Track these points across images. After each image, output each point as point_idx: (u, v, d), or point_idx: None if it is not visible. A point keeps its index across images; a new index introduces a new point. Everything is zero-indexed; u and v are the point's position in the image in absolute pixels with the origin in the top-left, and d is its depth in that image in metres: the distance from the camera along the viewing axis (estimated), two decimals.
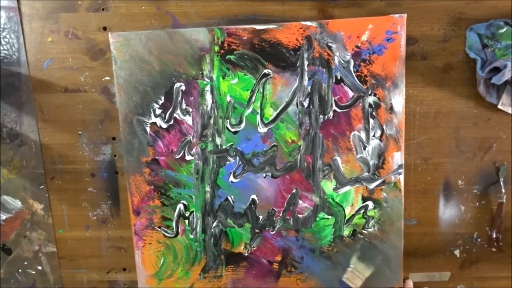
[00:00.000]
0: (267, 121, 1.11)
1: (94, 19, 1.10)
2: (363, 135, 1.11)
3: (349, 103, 1.10)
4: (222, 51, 1.08)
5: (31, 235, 1.22)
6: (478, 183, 1.16)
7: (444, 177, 1.16)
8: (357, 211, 1.16)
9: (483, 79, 1.05)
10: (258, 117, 1.11)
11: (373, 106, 1.10)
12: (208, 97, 1.11)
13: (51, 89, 1.13)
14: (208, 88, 1.10)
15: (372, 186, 1.14)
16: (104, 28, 1.10)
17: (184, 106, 1.11)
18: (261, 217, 1.17)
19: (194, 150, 1.14)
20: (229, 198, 1.16)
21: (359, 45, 1.07)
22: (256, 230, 1.18)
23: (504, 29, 1.04)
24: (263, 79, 1.09)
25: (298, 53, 1.08)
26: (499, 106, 1.07)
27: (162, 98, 1.11)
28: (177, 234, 1.19)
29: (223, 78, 1.10)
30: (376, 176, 1.13)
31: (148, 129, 1.13)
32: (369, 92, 1.09)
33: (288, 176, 1.14)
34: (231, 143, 1.13)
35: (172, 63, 1.09)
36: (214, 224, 1.18)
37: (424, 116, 1.12)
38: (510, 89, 1.06)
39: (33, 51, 1.12)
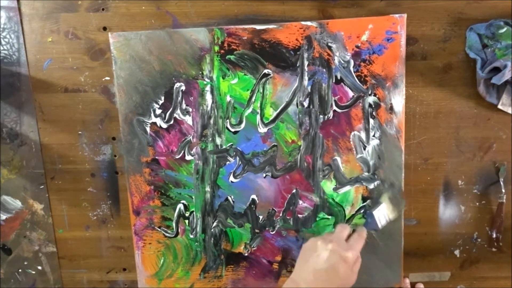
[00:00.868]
0: (267, 121, 1.11)
1: (94, 19, 1.10)
2: (363, 135, 1.11)
3: (349, 103, 1.10)
4: (222, 51, 1.08)
5: (31, 235, 1.22)
6: (478, 183, 1.16)
7: (444, 177, 1.16)
8: (357, 211, 1.16)
9: (483, 79, 1.05)
10: (258, 117, 1.11)
11: (373, 106, 1.10)
12: (208, 97, 1.11)
13: (51, 89, 1.14)
14: (208, 88, 1.10)
15: (372, 186, 1.14)
16: (104, 28, 1.10)
17: (184, 106, 1.11)
18: (261, 217, 1.17)
19: (194, 150, 1.14)
20: (229, 198, 1.16)
21: (359, 45, 1.07)
22: (256, 230, 1.18)
23: (504, 29, 1.04)
24: (263, 79, 1.09)
25: (298, 53, 1.08)
26: (499, 106, 1.07)
27: (162, 98, 1.11)
28: (177, 234, 1.19)
29: (223, 78, 1.10)
30: (376, 176, 1.13)
31: (148, 129, 1.13)
32: (369, 92, 1.09)
33: (288, 176, 1.14)
34: (231, 143, 1.13)
35: (172, 63, 1.09)
36: (214, 224, 1.18)
37: (424, 116, 1.12)
38: (510, 89, 1.06)
39: (33, 51, 1.12)
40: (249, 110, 1.11)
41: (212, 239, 1.19)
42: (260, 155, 1.13)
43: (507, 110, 1.08)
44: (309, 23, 1.06)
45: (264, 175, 1.14)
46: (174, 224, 1.19)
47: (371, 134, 1.11)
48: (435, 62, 1.09)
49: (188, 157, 1.14)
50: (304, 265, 0.94)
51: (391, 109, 1.10)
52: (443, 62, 1.09)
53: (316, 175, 1.14)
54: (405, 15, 1.05)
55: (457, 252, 1.20)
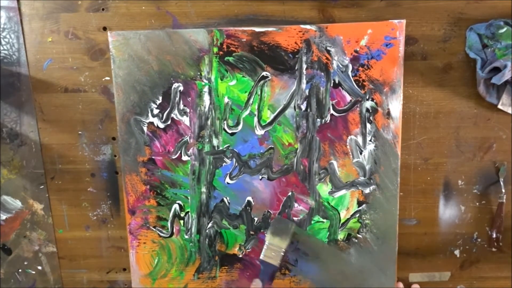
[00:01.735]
0: (264, 124, 1.11)
1: (94, 19, 1.10)
2: (359, 139, 1.11)
3: (347, 107, 1.10)
4: (221, 52, 1.08)
5: (31, 235, 1.22)
6: (478, 183, 1.16)
7: (444, 177, 1.16)
8: (352, 215, 1.16)
9: (483, 79, 1.05)
10: (256, 119, 1.11)
11: (371, 111, 1.09)
12: (206, 98, 1.11)
13: (51, 89, 1.14)
14: (206, 89, 1.10)
15: (367, 190, 1.14)
16: (104, 28, 1.10)
17: (181, 106, 1.11)
18: (256, 219, 1.17)
19: (190, 150, 1.14)
20: (224, 199, 1.16)
21: (358, 49, 1.07)
22: (251, 232, 1.18)
23: (504, 29, 1.03)
24: (261, 82, 1.09)
25: (296, 56, 1.08)
26: (499, 106, 1.07)
27: (160, 98, 1.11)
28: (172, 234, 1.19)
29: (221, 80, 1.10)
30: (371, 181, 1.13)
31: (145, 128, 1.13)
32: (367, 97, 1.09)
33: (284, 178, 1.14)
34: (228, 145, 1.13)
35: (171, 63, 1.09)
36: (209, 225, 1.18)
37: (424, 116, 1.12)
38: (510, 89, 1.06)
39: (33, 51, 1.12)
40: (247, 112, 1.11)
41: (207, 240, 1.19)
42: (257, 157, 1.13)
43: (507, 110, 1.08)
44: (308, 26, 1.06)
45: (260, 177, 1.14)
46: (169, 224, 1.19)
47: (368, 138, 1.11)
48: (435, 62, 1.09)
49: (184, 158, 1.14)
50: None
51: (388, 114, 1.10)
52: (443, 62, 1.09)
53: (312, 179, 1.14)
54: (404, 21, 1.05)
55: (457, 252, 1.20)
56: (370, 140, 1.11)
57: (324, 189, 1.14)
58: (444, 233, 1.19)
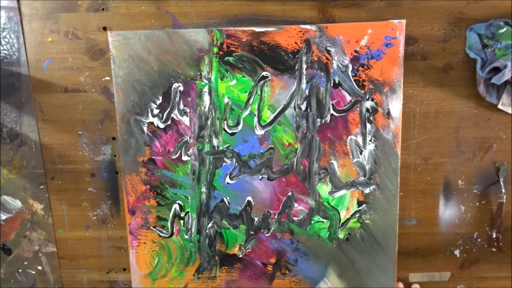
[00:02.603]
0: (264, 124, 1.11)
1: (94, 19, 1.10)
2: (359, 139, 1.11)
3: (347, 107, 1.10)
4: (221, 52, 1.08)
5: (31, 235, 1.22)
6: (478, 183, 1.16)
7: (444, 177, 1.16)
8: (352, 215, 1.16)
9: (483, 79, 1.05)
10: (256, 119, 1.11)
11: (371, 111, 1.09)
12: (206, 98, 1.11)
13: (51, 89, 1.14)
14: (206, 89, 1.10)
15: (367, 190, 1.14)
16: (104, 28, 1.10)
17: (181, 106, 1.11)
18: (256, 219, 1.17)
19: (191, 150, 1.14)
20: (224, 199, 1.16)
21: (358, 49, 1.07)
22: (251, 232, 1.18)
23: (504, 29, 1.03)
24: (261, 82, 1.09)
25: (296, 56, 1.08)
26: (499, 106, 1.07)
27: (160, 98, 1.11)
28: (172, 234, 1.19)
29: (221, 80, 1.10)
30: (371, 181, 1.13)
31: (145, 128, 1.13)
32: (367, 97, 1.09)
33: (284, 178, 1.14)
34: (228, 145, 1.13)
35: (171, 63, 1.09)
36: (209, 225, 1.18)
37: (424, 116, 1.12)
38: (510, 89, 1.06)
39: (33, 51, 1.12)
40: (247, 112, 1.11)
41: (207, 240, 1.19)
42: (257, 157, 1.13)
43: (507, 110, 1.08)
44: (308, 26, 1.06)
45: (260, 177, 1.14)
46: (169, 224, 1.19)
47: (368, 138, 1.11)
48: (435, 62, 1.09)
49: (184, 158, 1.14)
50: None
51: (388, 114, 1.10)
52: (443, 62, 1.09)
53: (312, 179, 1.14)
54: (404, 21, 1.05)
55: (457, 252, 1.20)
56: (370, 140, 1.11)
57: (324, 189, 1.14)
58: (444, 233, 1.19)
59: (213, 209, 1.17)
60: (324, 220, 1.16)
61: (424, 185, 1.16)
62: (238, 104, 1.11)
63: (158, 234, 1.19)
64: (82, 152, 1.17)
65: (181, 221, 1.18)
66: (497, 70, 1.02)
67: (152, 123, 1.12)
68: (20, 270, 1.25)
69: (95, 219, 1.21)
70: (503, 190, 1.14)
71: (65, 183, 1.19)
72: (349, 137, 1.11)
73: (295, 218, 1.16)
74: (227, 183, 1.15)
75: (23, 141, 1.16)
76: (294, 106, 1.10)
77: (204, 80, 1.10)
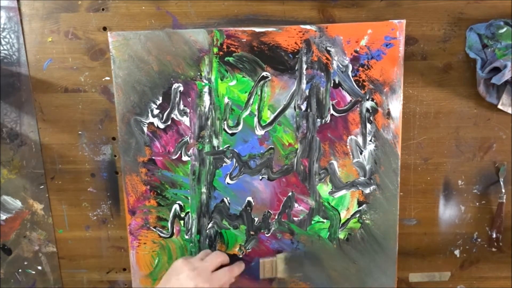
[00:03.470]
0: (264, 124, 1.11)
1: (94, 19, 1.10)
2: (360, 139, 1.11)
3: (347, 108, 1.10)
4: (221, 52, 1.08)
5: (31, 235, 1.22)
6: (478, 183, 1.16)
7: (444, 177, 1.16)
8: (353, 215, 1.16)
9: (483, 79, 1.05)
10: (256, 119, 1.11)
11: (371, 111, 1.10)
12: (206, 98, 1.11)
13: (51, 89, 1.13)
14: (206, 89, 1.10)
15: (367, 190, 1.14)
16: (104, 28, 1.10)
17: (182, 107, 1.11)
18: (256, 219, 1.17)
19: (191, 151, 1.14)
20: (225, 199, 1.16)
21: (358, 50, 1.07)
22: (251, 232, 1.18)
23: (504, 29, 1.03)
24: (261, 82, 1.09)
25: (296, 56, 1.08)
26: (499, 106, 1.07)
27: (160, 98, 1.11)
28: (172, 234, 1.19)
29: (222, 80, 1.10)
30: (372, 181, 1.13)
31: (145, 129, 1.13)
32: (367, 97, 1.09)
33: (284, 179, 1.14)
34: (228, 145, 1.13)
35: (171, 63, 1.09)
36: (210, 225, 1.18)
37: (424, 116, 1.12)
38: (510, 89, 1.06)
39: (33, 51, 1.12)
40: (247, 112, 1.11)
41: (207, 240, 1.19)
42: (257, 157, 1.13)
43: (507, 110, 1.08)
44: (308, 26, 1.06)
45: (260, 177, 1.14)
46: (169, 225, 1.19)
47: (368, 138, 1.11)
48: (435, 62, 1.09)
49: (184, 158, 1.14)
50: (166, 284, 1.02)
51: (388, 115, 1.10)
52: (443, 62, 1.09)
53: (312, 179, 1.14)
54: (404, 21, 1.05)
55: (457, 252, 1.20)
56: (370, 140, 1.11)
57: (324, 189, 1.14)
58: (444, 233, 1.19)
59: (213, 210, 1.17)
60: (325, 220, 1.16)
61: (424, 185, 1.16)
62: (238, 104, 1.11)
63: (158, 235, 1.19)
64: (82, 152, 1.17)
65: (181, 222, 1.18)
66: (497, 70, 1.02)
67: (152, 123, 1.12)
68: (20, 270, 1.25)
69: (95, 219, 1.21)
70: (503, 190, 1.14)
71: (65, 183, 1.19)
72: (349, 137, 1.11)
73: (295, 218, 1.16)
74: (227, 183, 1.15)
75: (23, 141, 1.16)
76: (294, 106, 1.10)
77: (204, 81, 1.10)
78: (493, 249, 1.18)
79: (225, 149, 1.13)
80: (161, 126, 1.13)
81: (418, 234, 1.19)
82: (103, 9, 1.09)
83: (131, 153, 1.14)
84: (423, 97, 1.11)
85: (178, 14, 1.09)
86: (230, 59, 1.09)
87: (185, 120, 1.12)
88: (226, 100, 1.11)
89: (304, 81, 1.09)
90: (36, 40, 1.11)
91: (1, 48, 1.12)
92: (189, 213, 1.18)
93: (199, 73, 1.09)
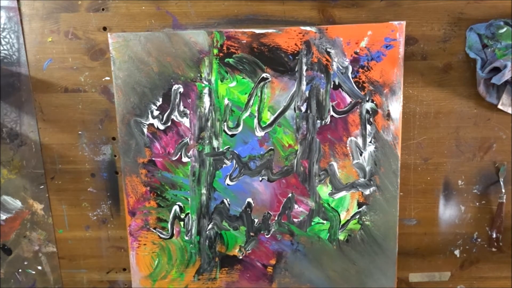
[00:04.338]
0: (264, 125, 1.11)
1: (94, 19, 1.10)
2: (359, 141, 1.11)
3: (347, 109, 1.10)
4: (221, 54, 1.08)
5: (31, 235, 1.22)
6: (478, 183, 1.16)
7: (444, 177, 1.16)
8: (353, 216, 1.16)
9: (483, 79, 1.05)
10: (256, 120, 1.11)
11: (371, 113, 1.10)
12: (206, 99, 1.11)
13: (51, 89, 1.13)
14: (206, 90, 1.10)
15: (367, 192, 1.14)
16: (104, 28, 1.10)
17: (182, 108, 1.11)
18: (256, 220, 1.17)
19: (191, 152, 1.14)
20: (225, 201, 1.16)
21: (358, 51, 1.07)
22: (251, 234, 1.18)
23: (504, 29, 1.03)
24: (261, 83, 1.09)
25: (296, 57, 1.08)
26: (499, 106, 1.07)
27: (160, 99, 1.11)
28: (172, 235, 1.20)
29: (222, 81, 1.10)
30: (371, 182, 1.13)
31: (145, 130, 1.13)
32: (367, 98, 1.09)
33: (284, 180, 1.14)
34: (228, 146, 1.13)
35: (171, 65, 1.09)
36: (209, 226, 1.18)
37: (424, 116, 1.12)
38: (510, 89, 1.06)
39: (33, 51, 1.12)
40: (247, 114, 1.11)
41: (207, 241, 1.19)
42: (257, 158, 1.13)
43: (507, 110, 1.08)
44: (308, 28, 1.06)
45: (260, 178, 1.15)
46: (169, 226, 1.19)
47: (368, 140, 1.11)
48: (435, 62, 1.09)
49: (184, 159, 1.14)
50: None
51: (388, 116, 1.10)
52: (443, 62, 1.09)
53: (312, 180, 1.14)
54: (404, 22, 1.05)
55: (457, 252, 1.20)
56: (370, 142, 1.11)
57: (324, 190, 1.14)
58: (444, 233, 1.19)
59: (213, 211, 1.17)
60: (324, 222, 1.16)
61: (424, 185, 1.16)
62: (238, 105, 1.11)
63: (158, 236, 1.20)
64: (82, 152, 1.17)
65: (181, 223, 1.18)
66: (497, 70, 1.02)
67: (152, 124, 1.12)
68: (20, 270, 1.25)
69: (95, 219, 1.21)
70: (503, 190, 1.14)
71: (65, 183, 1.19)
72: (349, 139, 1.11)
73: (295, 220, 1.17)
74: (227, 184, 1.15)
75: (23, 141, 1.16)
76: (294, 108, 1.10)
77: (204, 82, 1.10)
78: (493, 249, 1.18)
79: (225, 150, 1.13)
80: (161, 127, 1.13)
81: (418, 234, 1.19)
82: (103, 9, 1.09)
83: (131, 154, 1.14)
84: (423, 97, 1.11)
85: (178, 14, 1.09)
86: (230, 60, 1.08)
87: (185, 121, 1.12)
88: (226, 101, 1.11)
89: (304, 82, 1.09)
90: (36, 40, 1.11)
91: (1, 48, 1.12)
92: (189, 214, 1.18)
93: (199, 75, 1.09)
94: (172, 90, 1.10)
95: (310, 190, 1.14)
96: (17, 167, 1.18)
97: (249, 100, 1.10)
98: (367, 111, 1.09)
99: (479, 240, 1.19)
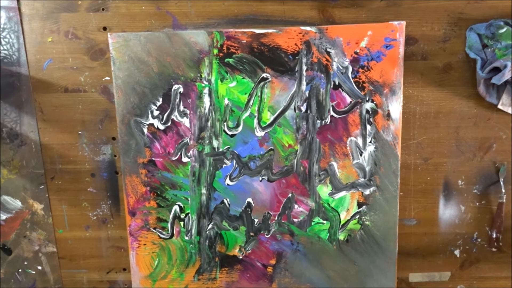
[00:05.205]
0: (264, 125, 1.11)
1: (94, 19, 1.10)
2: (359, 141, 1.11)
3: (347, 109, 1.10)
4: (221, 54, 1.08)
5: (31, 235, 1.22)
6: (478, 183, 1.16)
7: (444, 177, 1.16)
8: (353, 216, 1.16)
9: (483, 79, 1.05)
10: (256, 120, 1.11)
11: (371, 113, 1.10)
12: (206, 99, 1.11)
13: (51, 89, 1.13)
14: (206, 90, 1.10)
15: (367, 192, 1.14)
16: (104, 28, 1.10)
17: (182, 108, 1.11)
18: (256, 220, 1.17)
19: (191, 152, 1.14)
20: (225, 201, 1.16)
21: (358, 51, 1.07)
22: (251, 234, 1.18)
23: (504, 29, 1.03)
24: (261, 83, 1.09)
25: (296, 57, 1.08)
26: (499, 106, 1.07)
27: (160, 99, 1.11)
28: (172, 235, 1.19)
29: (222, 81, 1.10)
30: (371, 182, 1.13)
31: (145, 130, 1.13)
32: (367, 99, 1.09)
33: (284, 180, 1.14)
34: (228, 146, 1.13)
35: (171, 65, 1.09)
36: (209, 226, 1.18)
37: (424, 116, 1.12)
38: (510, 89, 1.06)
39: (33, 51, 1.12)
40: (247, 114, 1.11)
41: (207, 241, 1.19)
42: (257, 158, 1.13)
43: (507, 110, 1.08)
44: (308, 28, 1.06)
45: (260, 178, 1.14)
46: (169, 226, 1.19)
47: (368, 140, 1.11)
48: (435, 62, 1.09)
49: (184, 159, 1.14)
50: None
51: (388, 116, 1.10)
52: (443, 62, 1.09)
53: (312, 180, 1.14)
54: (404, 23, 1.05)
55: (457, 252, 1.20)
56: (370, 142, 1.11)
57: (324, 190, 1.14)
58: (444, 233, 1.19)
59: (213, 211, 1.17)
60: (324, 222, 1.16)
61: (424, 185, 1.16)
62: (238, 105, 1.11)
63: (158, 236, 1.19)
64: (82, 152, 1.17)
65: (181, 223, 1.18)
66: (497, 70, 1.02)
67: (152, 124, 1.12)
68: (20, 270, 1.25)
69: (95, 219, 1.21)
70: (503, 190, 1.14)
71: (65, 183, 1.19)
72: (349, 139, 1.11)
73: (295, 220, 1.17)
74: (227, 184, 1.15)
75: (23, 141, 1.16)
76: (294, 108, 1.10)
77: (204, 82, 1.10)
78: (493, 249, 1.18)
79: (225, 150, 1.13)
80: (161, 127, 1.13)
81: (418, 234, 1.19)
82: (103, 9, 1.09)
83: (131, 154, 1.14)
84: (423, 97, 1.11)
85: (178, 14, 1.09)
86: (230, 60, 1.08)
87: (185, 121, 1.12)
88: (226, 101, 1.11)
89: (304, 82, 1.09)
90: (36, 40, 1.11)
91: (1, 48, 1.11)
92: (189, 214, 1.18)
93: (199, 75, 1.09)
94: (172, 90, 1.10)
95: (310, 190, 1.14)
96: (17, 167, 1.18)
97: (249, 100, 1.10)
98: (367, 111, 1.09)
99: (479, 240, 1.19)
